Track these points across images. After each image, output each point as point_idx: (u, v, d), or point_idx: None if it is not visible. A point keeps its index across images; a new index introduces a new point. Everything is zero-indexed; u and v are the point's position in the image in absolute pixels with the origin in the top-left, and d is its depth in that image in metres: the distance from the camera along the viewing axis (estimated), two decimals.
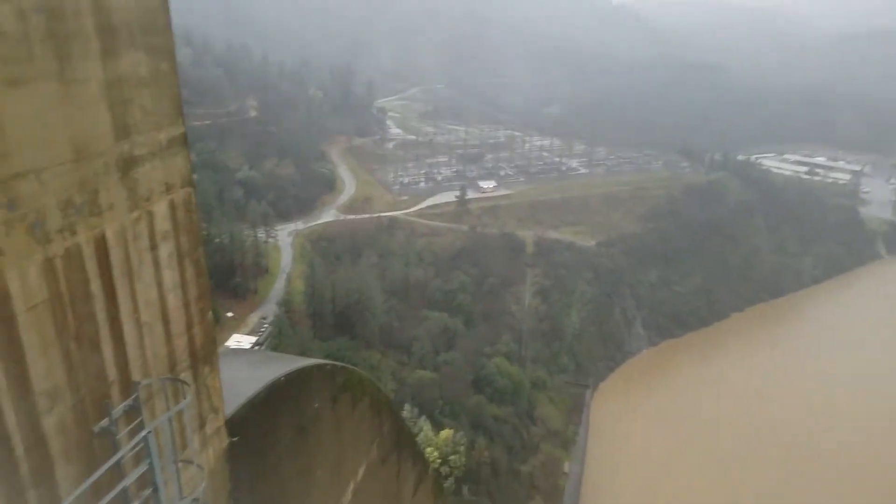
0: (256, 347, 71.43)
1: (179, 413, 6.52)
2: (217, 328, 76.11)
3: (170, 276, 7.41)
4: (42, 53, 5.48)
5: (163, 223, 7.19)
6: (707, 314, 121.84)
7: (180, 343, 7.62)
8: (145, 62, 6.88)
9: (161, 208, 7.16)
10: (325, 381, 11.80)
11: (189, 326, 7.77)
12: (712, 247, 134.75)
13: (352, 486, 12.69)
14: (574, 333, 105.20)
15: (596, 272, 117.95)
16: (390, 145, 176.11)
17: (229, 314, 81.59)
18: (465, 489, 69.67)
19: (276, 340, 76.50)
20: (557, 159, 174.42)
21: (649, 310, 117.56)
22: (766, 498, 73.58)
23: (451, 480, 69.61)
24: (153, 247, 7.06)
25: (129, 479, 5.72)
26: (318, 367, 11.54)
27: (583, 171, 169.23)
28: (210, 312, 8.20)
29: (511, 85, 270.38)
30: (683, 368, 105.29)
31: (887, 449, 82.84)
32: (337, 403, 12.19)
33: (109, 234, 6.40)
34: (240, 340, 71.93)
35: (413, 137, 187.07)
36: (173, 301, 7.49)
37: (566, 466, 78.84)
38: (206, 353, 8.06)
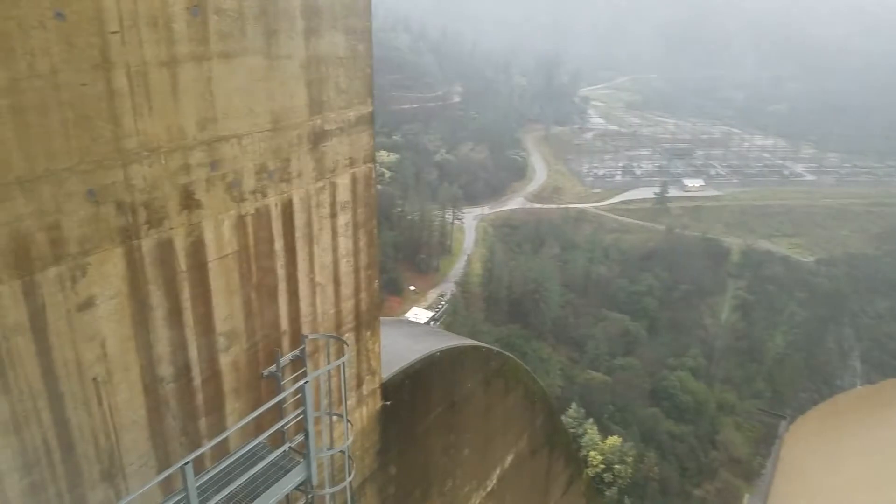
0: (433, 323, 75.15)
1: (339, 370, 7.08)
2: (399, 299, 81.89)
3: (344, 244, 8.05)
4: (253, 30, 6.21)
5: (343, 194, 7.82)
6: None
7: (347, 306, 8.27)
8: (343, 43, 7.46)
9: (344, 180, 7.78)
10: (480, 363, 12.05)
11: (357, 292, 8.39)
12: None
13: (498, 471, 12.86)
14: (776, 357, 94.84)
15: (812, 293, 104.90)
16: (589, 135, 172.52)
17: (411, 287, 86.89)
18: (627, 501, 67.03)
19: (450, 318, 79.82)
20: (780, 162, 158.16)
21: (871, 342, 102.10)
22: None
23: (613, 490, 67.48)
24: (333, 215, 7.72)
25: (285, 422, 6.38)
26: (474, 348, 11.82)
27: (809, 177, 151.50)
28: (377, 281, 8.78)
29: (732, 78, 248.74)
30: None
31: None
32: (490, 387, 12.39)
33: (296, 200, 7.11)
34: (418, 313, 76.27)
35: (615, 128, 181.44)
36: (345, 266, 8.13)
37: (746, 499, 72.21)
38: (369, 318, 8.66)
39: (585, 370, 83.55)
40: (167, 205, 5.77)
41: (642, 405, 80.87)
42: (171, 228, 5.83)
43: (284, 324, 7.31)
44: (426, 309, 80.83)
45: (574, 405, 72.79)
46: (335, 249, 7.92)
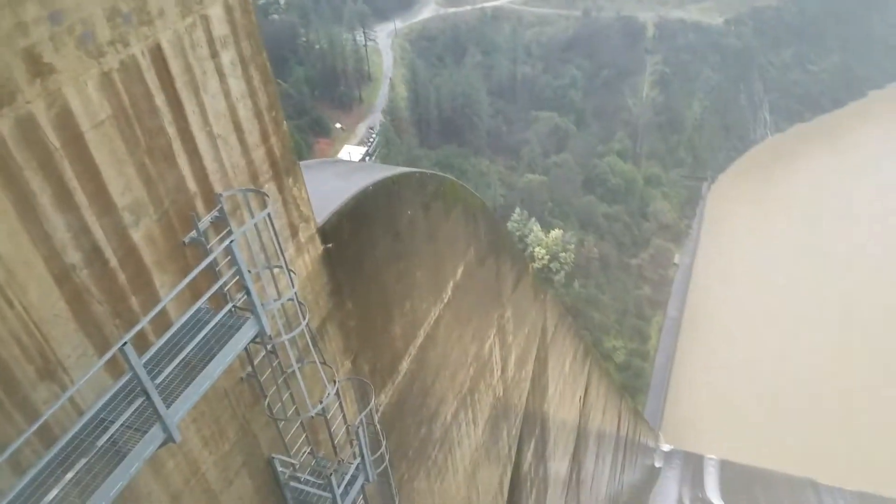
0: (367, 158, 73.64)
1: (266, 223, 6.66)
2: (328, 140, 79.14)
3: (236, 85, 7.16)
4: None
5: (220, 27, 6.77)
6: (842, 94, 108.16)
7: (259, 154, 7.61)
8: None
9: (216, 11, 6.69)
10: (416, 189, 11.79)
11: (265, 138, 7.68)
12: (857, 17, 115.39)
13: (451, 284, 13.22)
14: (694, 125, 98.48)
15: (722, 55, 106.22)
16: None
17: (338, 125, 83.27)
18: (575, 283, 72.39)
19: (384, 150, 78.07)
20: None
21: (779, 93, 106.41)
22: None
23: (561, 275, 72.36)
24: (214, 55, 6.74)
25: (221, 283, 6.06)
26: (406, 175, 11.46)
27: None
28: (284, 122, 8.04)
29: None
30: (810, 156, 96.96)
31: None
32: (430, 210, 12.26)
33: (165, 44, 6.11)
34: (350, 152, 74.12)
35: None
36: (244, 111, 7.32)
37: (676, 258, 79.01)
38: (287, 164, 8.06)
39: (524, 175, 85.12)
40: (13, 76, 4.83)
41: (578, 195, 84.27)
42: (28, 102, 4.95)
43: (192, 185, 6.66)
44: (357, 146, 78.50)
45: (517, 209, 75.15)
46: (227, 94, 7.04)
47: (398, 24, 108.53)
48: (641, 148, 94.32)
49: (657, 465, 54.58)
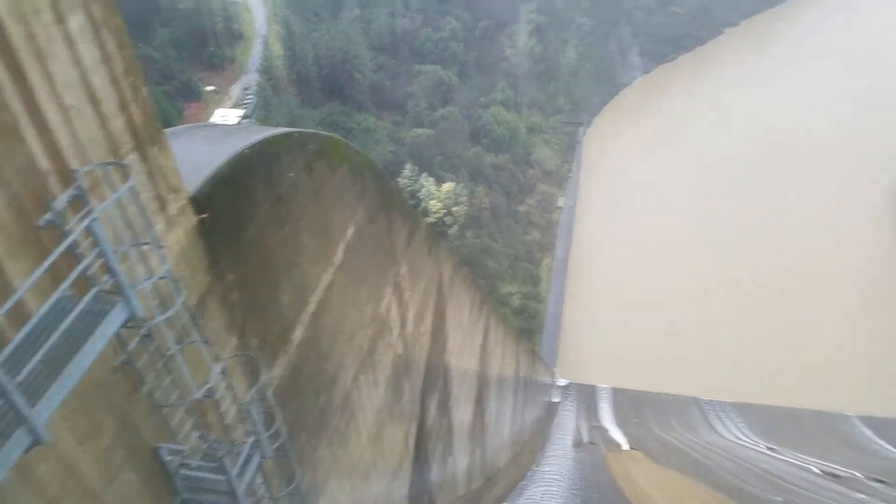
0: (245, 121, 70.17)
1: (134, 197, 6.20)
2: (200, 104, 74.42)
3: (88, 52, 6.46)
4: None
5: None
6: (703, 33, 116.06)
7: (117, 124, 6.99)
8: None
9: None
10: (296, 150, 11.35)
11: (124, 106, 7.05)
12: None
13: (342, 245, 13.04)
14: (570, 72, 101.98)
15: (593, 1, 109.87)
16: None
17: (210, 88, 78.58)
18: (468, 234, 73.95)
19: (263, 112, 74.70)
20: None
21: (646, 36, 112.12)
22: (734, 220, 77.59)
23: (455, 228, 73.64)
24: (59, 20, 6.03)
25: (83, 266, 5.62)
26: (285, 135, 10.98)
27: None
28: (144, 87, 7.42)
29: None
30: (673, 93, 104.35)
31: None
32: (313, 171, 11.90)
33: (1, 9, 5.42)
34: (225, 115, 70.29)
35: None
36: (98, 80, 6.65)
37: (560, 201, 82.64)
38: (150, 133, 7.47)
39: (412, 130, 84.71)
40: None
41: (466, 147, 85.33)
42: None
43: (44, 163, 6.04)
44: (233, 108, 74.45)
45: (408, 165, 74.97)
46: (78, 61, 6.35)
47: None
48: (522, 97, 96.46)
49: (555, 399, 57.84)
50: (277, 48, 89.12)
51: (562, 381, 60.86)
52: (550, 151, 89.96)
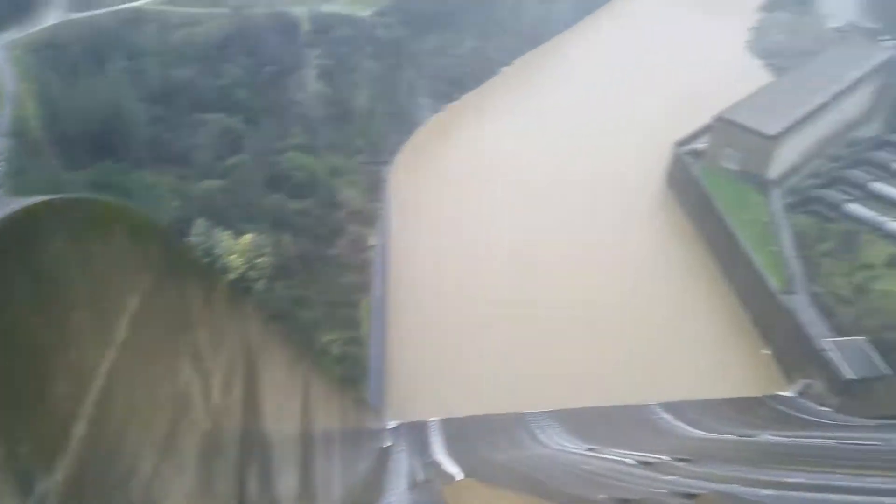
0: None
1: None
2: None
3: None
4: None
5: None
6: (481, 73, 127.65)
7: None
8: None
9: None
10: (59, 219, 9.95)
11: None
12: (486, 6, 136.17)
13: (125, 319, 11.62)
14: (364, 114, 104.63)
15: (377, 45, 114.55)
16: None
17: None
18: (278, 286, 71.34)
19: (15, 180, 65.60)
20: None
21: (431, 78, 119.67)
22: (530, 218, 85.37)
23: (261, 282, 70.56)
24: None
25: None
26: (45, 203, 9.58)
27: None
28: None
29: None
30: (463, 128, 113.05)
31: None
32: (82, 240, 10.50)
33: None
34: None
35: None
36: None
37: (372, 240, 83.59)
38: None
39: (200, 182, 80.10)
40: None
41: (265, 195, 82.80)
42: None
43: None
44: None
45: (199, 220, 70.49)
46: None
47: (16, 34, 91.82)
48: (320, 140, 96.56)
49: (387, 444, 57.23)
50: (31, 108, 79.52)
51: (392, 424, 60.47)
52: (356, 192, 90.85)
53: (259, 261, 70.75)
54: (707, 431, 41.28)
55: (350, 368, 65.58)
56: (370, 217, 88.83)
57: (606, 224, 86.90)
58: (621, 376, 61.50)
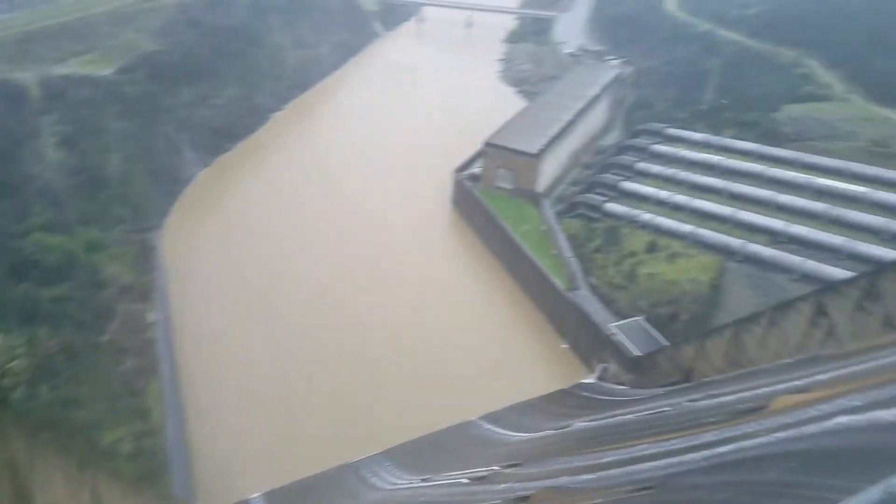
0: None
1: None
2: None
3: None
4: None
5: None
6: (251, 121, 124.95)
7: None
8: None
9: None
10: None
11: None
12: (240, 53, 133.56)
13: None
14: (120, 178, 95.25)
15: (125, 103, 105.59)
16: None
17: None
18: (42, 389, 61.04)
19: None
20: None
21: (193, 131, 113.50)
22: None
23: (20, 389, 59.99)
24: None
25: None
26: None
27: None
28: None
29: None
30: (239, 180, 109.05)
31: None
32: None
33: None
34: None
35: None
36: None
37: (150, 316, 75.51)
38: None
39: None
40: None
41: (8, 288, 70.85)
42: None
43: None
44: None
45: None
46: None
47: None
48: (70, 215, 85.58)
49: None
50: None
51: None
52: (122, 266, 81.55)
53: (12, 365, 60.04)
54: (529, 432, 42.80)
55: (147, 464, 57.80)
56: (144, 291, 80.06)
57: (402, 255, 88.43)
58: (442, 399, 62.03)
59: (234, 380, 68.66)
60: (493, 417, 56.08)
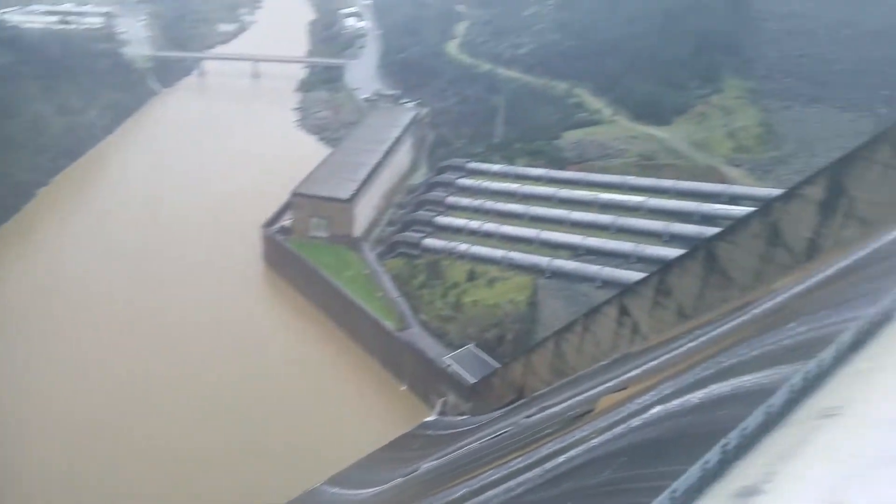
0: None
1: None
2: None
3: None
4: None
5: None
6: (14, 200, 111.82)
7: None
8: None
9: None
10: None
11: None
12: None
13: None
14: None
15: None
16: None
17: None
18: None
19: None
20: None
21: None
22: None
23: None
24: None
25: None
26: None
27: None
28: None
29: None
30: (6, 263, 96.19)
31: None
32: None
33: None
34: None
35: None
36: None
37: None
38: None
39: None
40: None
41: None
42: None
43: None
44: None
45: None
46: None
47: None
48: None
49: None
50: None
51: None
52: None
53: None
54: (378, 486, 41.74)
55: None
56: None
57: (216, 330, 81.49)
58: (283, 469, 58.48)
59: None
60: (339, 479, 53.89)
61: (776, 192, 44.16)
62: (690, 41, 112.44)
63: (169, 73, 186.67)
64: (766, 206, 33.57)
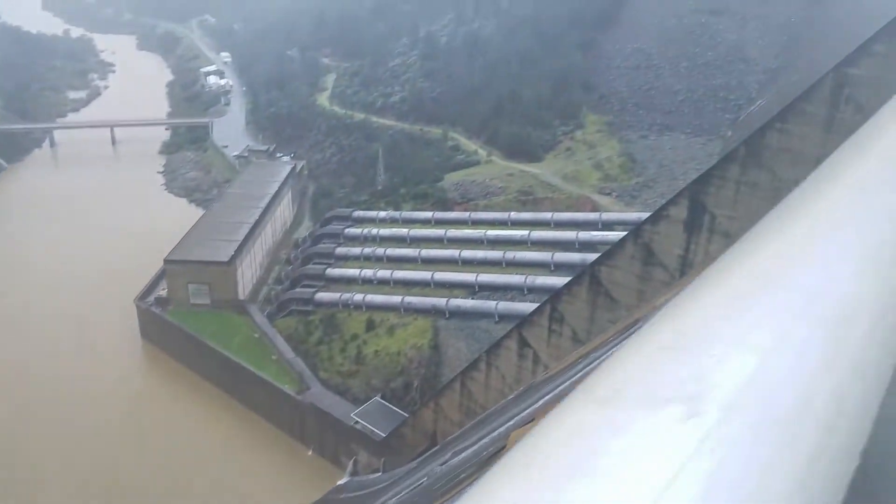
0: None
1: None
2: None
3: None
4: None
5: None
6: None
7: None
8: None
9: None
10: None
11: None
12: None
13: None
14: None
15: None
16: None
17: None
18: None
19: None
20: None
21: None
22: None
23: None
24: None
25: None
26: None
27: None
28: None
29: None
30: None
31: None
32: None
33: None
34: None
35: None
36: None
37: None
38: None
39: None
40: None
41: None
42: None
43: None
44: None
45: None
46: None
47: None
48: None
49: None
50: None
51: None
52: None
53: None
54: None
55: None
56: None
57: (94, 423, 75.60)
58: None
59: None
60: None
61: (645, 215, 48.05)
62: (548, 82, 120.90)
63: (15, 147, 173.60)
64: (637, 228, 36.64)
